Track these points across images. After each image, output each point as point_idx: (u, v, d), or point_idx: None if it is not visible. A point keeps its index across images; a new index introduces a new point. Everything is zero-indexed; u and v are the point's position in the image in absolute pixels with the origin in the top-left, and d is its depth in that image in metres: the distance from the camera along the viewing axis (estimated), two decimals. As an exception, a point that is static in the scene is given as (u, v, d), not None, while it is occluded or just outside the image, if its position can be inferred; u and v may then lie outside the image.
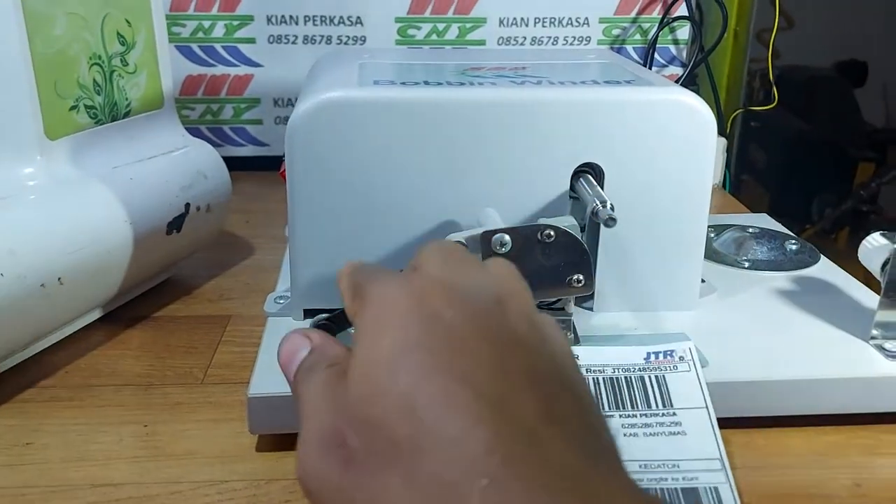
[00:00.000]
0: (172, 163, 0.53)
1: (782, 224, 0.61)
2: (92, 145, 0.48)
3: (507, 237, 0.38)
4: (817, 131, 0.89)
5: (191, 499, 0.35)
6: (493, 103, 0.42)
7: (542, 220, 0.40)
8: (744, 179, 0.93)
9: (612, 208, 0.40)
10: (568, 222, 0.40)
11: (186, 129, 0.57)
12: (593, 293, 0.46)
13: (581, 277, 0.39)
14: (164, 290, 0.55)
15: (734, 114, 0.87)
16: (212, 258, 0.59)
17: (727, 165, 0.85)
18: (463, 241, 0.38)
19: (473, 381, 0.22)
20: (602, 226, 0.44)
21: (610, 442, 0.23)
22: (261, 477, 0.36)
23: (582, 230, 0.43)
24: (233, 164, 0.59)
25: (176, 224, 0.51)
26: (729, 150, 0.85)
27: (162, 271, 0.55)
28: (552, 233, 0.38)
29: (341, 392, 0.24)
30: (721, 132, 0.86)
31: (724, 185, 0.85)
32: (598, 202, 0.40)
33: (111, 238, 0.47)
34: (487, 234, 0.38)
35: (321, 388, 0.25)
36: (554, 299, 0.42)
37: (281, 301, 0.46)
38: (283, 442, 0.39)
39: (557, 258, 0.39)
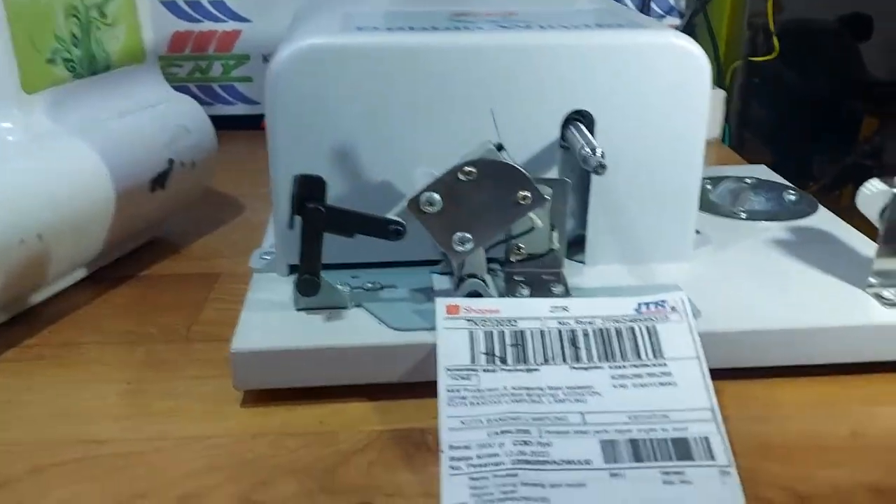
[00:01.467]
0: (154, 117, 0.52)
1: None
2: (71, 99, 0.47)
3: (433, 195, 0.37)
4: (820, 85, 0.87)
5: (176, 454, 0.35)
6: (481, 48, 0.41)
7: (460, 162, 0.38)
8: (745, 135, 0.91)
9: (603, 155, 0.38)
10: (484, 149, 0.38)
11: (175, 87, 0.56)
12: (582, 240, 0.45)
13: (526, 193, 0.38)
14: (151, 249, 0.54)
15: (734, 65, 0.85)
16: (200, 217, 0.58)
17: (726, 119, 0.84)
18: (400, 220, 0.37)
19: None
20: (593, 175, 0.43)
21: None
22: (246, 432, 0.36)
23: (574, 187, 0.42)
24: (223, 122, 0.58)
25: (160, 180, 0.50)
26: (728, 103, 0.84)
27: (147, 230, 0.54)
28: (471, 168, 0.37)
29: None
30: (720, 84, 0.84)
31: (723, 139, 0.84)
32: (587, 149, 0.39)
33: (92, 194, 0.46)
34: (412, 202, 0.37)
35: None
36: (525, 231, 0.41)
37: (267, 257, 0.45)
38: (269, 397, 0.38)
39: (492, 188, 0.38)
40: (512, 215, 0.39)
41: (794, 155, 0.89)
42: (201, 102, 0.56)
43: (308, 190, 0.36)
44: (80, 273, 0.49)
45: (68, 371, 0.41)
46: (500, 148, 0.39)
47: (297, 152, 0.41)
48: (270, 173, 0.41)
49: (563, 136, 0.43)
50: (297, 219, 0.37)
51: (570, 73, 0.41)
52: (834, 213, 0.53)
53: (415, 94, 0.41)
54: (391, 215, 0.38)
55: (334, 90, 0.40)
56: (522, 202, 0.38)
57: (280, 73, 0.40)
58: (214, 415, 0.37)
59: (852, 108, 0.86)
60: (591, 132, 0.42)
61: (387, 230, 0.37)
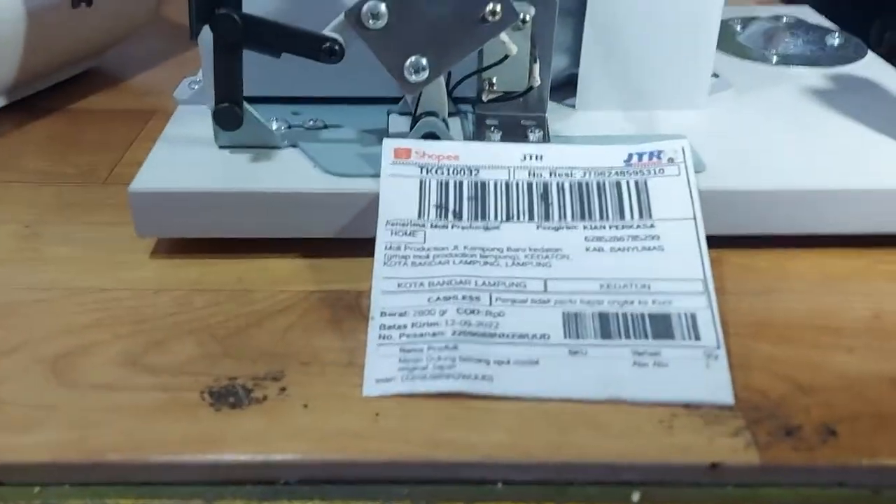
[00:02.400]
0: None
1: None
2: None
3: (378, 4, 0.29)
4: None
5: (61, 305, 0.29)
6: None
7: None
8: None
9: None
10: None
11: None
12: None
13: (496, 7, 0.30)
14: (85, 80, 0.47)
15: None
16: (146, 47, 0.51)
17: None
18: (337, 37, 0.30)
19: None
20: (588, 4, 0.35)
21: None
22: (149, 286, 0.31)
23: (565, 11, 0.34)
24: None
25: (83, -5, 0.43)
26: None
27: (79, 57, 0.47)
28: None
29: None
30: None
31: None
32: (578, -47, 0.31)
33: (-6, 6, 0.39)
34: (351, 13, 0.30)
35: None
36: (498, 61, 0.34)
37: (195, 86, 0.38)
38: (184, 249, 0.32)
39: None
40: (478, 36, 0.31)
41: (849, 20, 0.77)
42: None
43: (217, -9, 0.29)
44: (-2, 101, 0.43)
45: (-36, 210, 0.36)
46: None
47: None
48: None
49: (552, -58, 0.34)
50: (206, 30, 0.29)
51: None
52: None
53: None
54: (328, 31, 0.31)
55: None
56: (490, 18, 0.31)
57: None
58: (116, 265, 0.32)
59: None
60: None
61: (318, 48, 0.30)
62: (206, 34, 0.30)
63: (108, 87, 0.47)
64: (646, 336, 0.27)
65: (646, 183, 0.32)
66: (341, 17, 0.31)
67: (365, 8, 0.30)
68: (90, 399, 0.25)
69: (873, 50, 0.44)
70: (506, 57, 0.34)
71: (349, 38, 0.31)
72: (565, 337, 0.27)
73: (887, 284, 0.32)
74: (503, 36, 0.32)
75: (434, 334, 0.27)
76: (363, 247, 0.31)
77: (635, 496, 0.24)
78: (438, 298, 0.28)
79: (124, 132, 0.42)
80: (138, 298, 0.30)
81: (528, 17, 0.33)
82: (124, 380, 0.26)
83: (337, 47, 0.30)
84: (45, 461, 0.24)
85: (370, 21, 0.30)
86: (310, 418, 0.25)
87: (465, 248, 0.30)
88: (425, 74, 0.32)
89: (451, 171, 0.32)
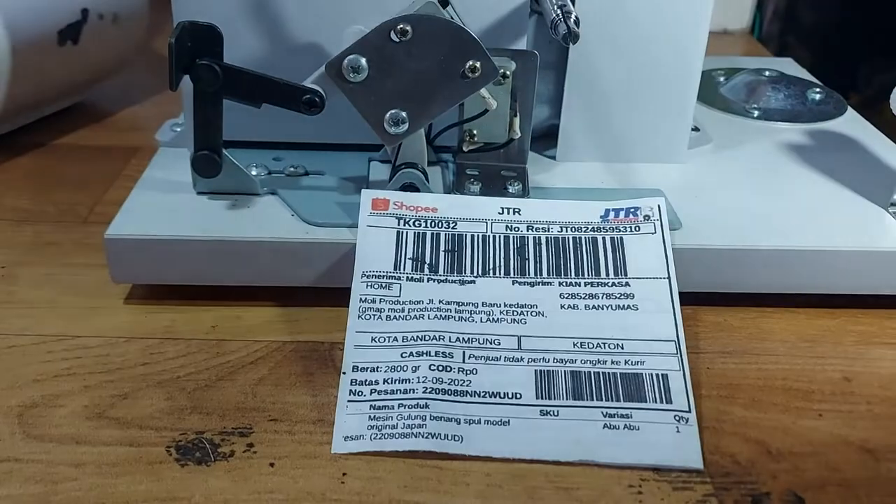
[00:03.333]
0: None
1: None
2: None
3: (359, 59, 0.30)
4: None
5: (31, 354, 0.29)
6: None
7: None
8: (784, 37, 0.80)
9: (577, 22, 0.31)
10: (423, 2, 0.31)
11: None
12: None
13: (476, 63, 0.30)
14: (69, 116, 0.47)
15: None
16: (133, 81, 0.51)
17: (758, 7, 0.73)
18: (317, 89, 0.30)
19: None
20: (571, 52, 0.35)
21: None
22: (121, 334, 0.31)
23: (547, 65, 0.35)
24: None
25: (70, 33, 0.43)
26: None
27: (64, 93, 0.47)
28: (405, 26, 0.30)
29: None
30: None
31: (752, 30, 0.74)
32: (559, 12, 0.31)
33: (-21, 43, 0.39)
34: (332, 66, 0.30)
35: None
36: (477, 114, 0.34)
37: (177, 129, 0.38)
38: (159, 295, 0.32)
39: (433, 54, 0.30)
40: (458, 91, 0.31)
41: (836, 62, 0.78)
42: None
43: (198, 42, 0.29)
44: (-20, 136, 0.43)
45: (-59, 248, 0.36)
46: (444, 3, 0.31)
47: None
48: (174, 19, 0.34)
49: (535, -1, 0.35)
50: (186, 79, 0.30)
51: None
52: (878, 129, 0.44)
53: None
54: (309, 83, 0.31)
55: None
56: (470, 75, 0.31)
57: None
58: (89, 311, 0.32)
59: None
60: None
61: (298, 100, 0.30)
62: (188, 81, 0.31)
63: (93, 123, 0.47)
64: (617, 398, 0.27)
65: (622, 240, 0.32)
66: (322, 69, 0.31)
67: (346, 62, 0.30)
68: (56, 453, 0.25)
69: (862, 91, 0.44)
70: (486, 111, 0.34)
71: (330, 88, 0.31)
72: (537, 397, 0.27)
73: (858, 347, 0.32)
74: (483, 91, 0.32)
75: (405, 391, 0.27)
76: (339, 296, 0.31)
77: (601, 565, 0.24)
78: (412, 354, 0.28)
79: (107, 169, 0.42)
80: (109, 347, 0.30)
81: (508, 73, 0.34)
82: (91, 433, 0.26)
83: (317, 99, 0.31)
84: (7, 515, 0.23)
85: (351, 74, 0.31)
86: (276, 478, 0.25)
87: (440, 302, 0.30)
88: (405, 127, 0.32)
89: (428, 223, 0.32)
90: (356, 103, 0.31)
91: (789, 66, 0.52)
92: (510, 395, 0.27)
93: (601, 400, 0.27)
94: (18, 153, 0.43)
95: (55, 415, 0.27)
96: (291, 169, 0.36)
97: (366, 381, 0.28)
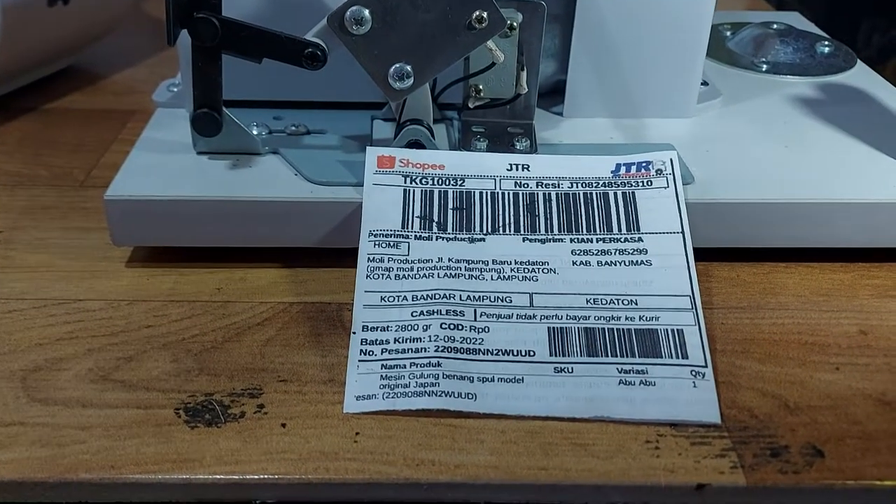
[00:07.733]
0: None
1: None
2: None
3: (362, 10, 0.29)
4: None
5: (32, 318, 0.29)
6: None
7: None
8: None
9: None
10: None
11: None
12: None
13: (483, 13, 0.29)
14: (63, 78, 0.46)
15: None
16: (127, 44, 0.50)
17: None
18: (319, 42, 0.29)
19: None
20: (579, 4, 0.34)
21: None
22: (124, 297, 0.30)
23: (554, 17, 0.34)
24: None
25: (60, -7, 0.42)
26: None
27: (56, 56, 0.45)
28: None
29: None
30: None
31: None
32: (567, -40, 0.30)
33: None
34: (334, 18, 0.29)
35: None
36: (484, 68, 0.33)
37: (174, 88, 0.37)
38: (162, 258, 0.32)
39: (438, 4, 0.29)
40: (464, 43, 0.31)
41: (838, 22, 0.77)
42: None
43: (195, -6, 0.28)
44: (-28, 102, 0.42)
45: (-64, 215, 0.35)
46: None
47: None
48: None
49: (541, -52, 0.34)
50: (184, 33, 0.29)
51: None
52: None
53: None
54: (310, 36, 0.30)
55: None
56: (477, 25, 0.30)
57: None
58: (90, 274, 0.31)
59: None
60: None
61: (300, 54, 0.29)
62: (185, 38, 0.30)
63: (87, 86, 0.46)
64: (632, 354, 0.27)
65: (634, 195, 0.31)
66: (324, 22, 0.30)
67: (348, 13, 0.29)
68: (62, 416, 0.25)
69: (861, 52, 0.43)
70: (492, 64, 0.33)
71: (332, 43, 0.30)
72: (551, 354, 0.27)
73: (873, 300, 0.31)
74: (490, 43, 0.31)
75: (417, 350, 0.27)
76: (345, 257, 0.30)
77: (620, 519, 0.23)
78: (422, 313, 0.28)
79: (102, 133, 0.41)
80: (112, 309, 0.29)
81: (515, 25, 0.33)
82: (96, 396, 0.25)
83: (319, 53, 0.30)
84: (16, 479, 0.23)
85: (353, 27, 0.30)
86: (288, 438, 0.24)
87: (449, 260, 0.30)
88: (410, 82, 0.31)
89: (435, 181, 0.32)
90: (359, 57, 0.30)
91: (797, 20, 0.51)
92: (523, 353, 0.27)
93: (616, 356, 0.27)
94: (10, 117, 0.42)
95: (59, 378, 0.26)
96: (293, 128, 0.35)
97: (376, 340, 0.27)
